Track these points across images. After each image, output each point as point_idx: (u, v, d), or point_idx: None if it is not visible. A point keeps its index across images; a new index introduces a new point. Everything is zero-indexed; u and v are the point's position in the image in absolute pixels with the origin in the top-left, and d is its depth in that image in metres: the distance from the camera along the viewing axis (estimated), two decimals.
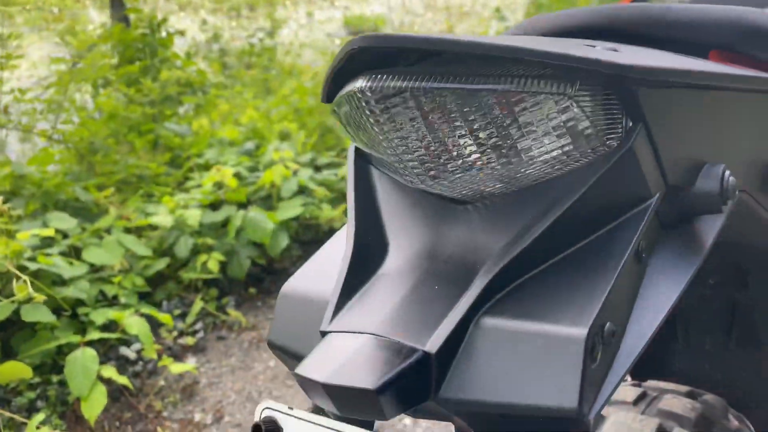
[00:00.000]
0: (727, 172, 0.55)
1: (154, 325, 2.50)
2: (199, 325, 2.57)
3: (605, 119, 0.48)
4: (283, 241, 2.75)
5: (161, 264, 2.65)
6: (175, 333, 2.49)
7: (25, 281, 1.99)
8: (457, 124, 0.48)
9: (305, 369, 0.45)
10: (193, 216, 2.66)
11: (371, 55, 0.50)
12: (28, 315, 2.09)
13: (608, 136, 0.49)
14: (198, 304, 2.54)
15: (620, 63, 0.45)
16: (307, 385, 0.44)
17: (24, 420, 1.93)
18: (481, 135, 0.48)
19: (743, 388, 1.08)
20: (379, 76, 0.48)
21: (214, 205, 2.95)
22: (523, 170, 0.50)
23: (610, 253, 0.48)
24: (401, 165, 0.51)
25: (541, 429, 0.43)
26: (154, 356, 2.24)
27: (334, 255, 0.56)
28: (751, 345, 1.06)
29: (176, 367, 2.21)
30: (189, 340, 2.48)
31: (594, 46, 0.53)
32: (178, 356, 2.43)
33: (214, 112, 4.47)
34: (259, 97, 5.47)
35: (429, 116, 0.48)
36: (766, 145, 0.69)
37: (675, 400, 0.96)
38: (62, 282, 2.36)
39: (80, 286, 2.35)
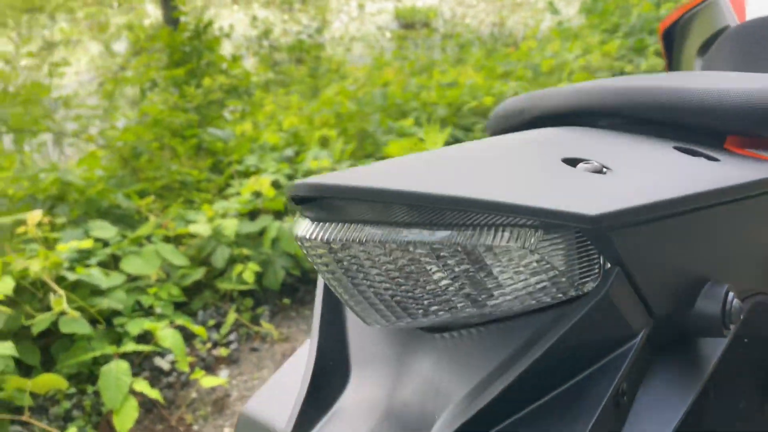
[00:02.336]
0: (731, 294, 0.50)
1: (190, 334, 2.54)
2: (233, 336, 2.59)
3: (578, 263, 0.44)
4: None
5: (198, 274, 2.68)
6: (209, 344, 2.51)
7: (60, 296, 2.05)
8: (413, 269, 0.44)
9: None
10: (230, 226, 2.67)
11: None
12: (66, 326, 2.14)
13: (582, 280, 0.44)
14: (232, 316, 2.56)
15: (584, 214, 0.40)
16: None
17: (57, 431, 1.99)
18: (445, 281, 0.44)
19: None
20: (321, 226, 0.45)
21: (253, 213, 2.97)
22: (496, 306, 0.46)
23: (585, 403, 0.44)
24: (359, 308, 0.48)
25: None
26: (187, 369, 2.27)
27: (296, 374, 0.53)
28: None
29: (207, 381, 2.23)
30: (222, 351, 2.50)
31: (575, 165, 0.48)
32: (211, 368, 2.46)
33: (260, 112, 4.52)
34: (306, 96, 5.49)
35: (384, 266, 0.44)
36: None
37: None
38: (100, 292, 2.42)
39: (117, 297, 2.39)
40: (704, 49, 1.72)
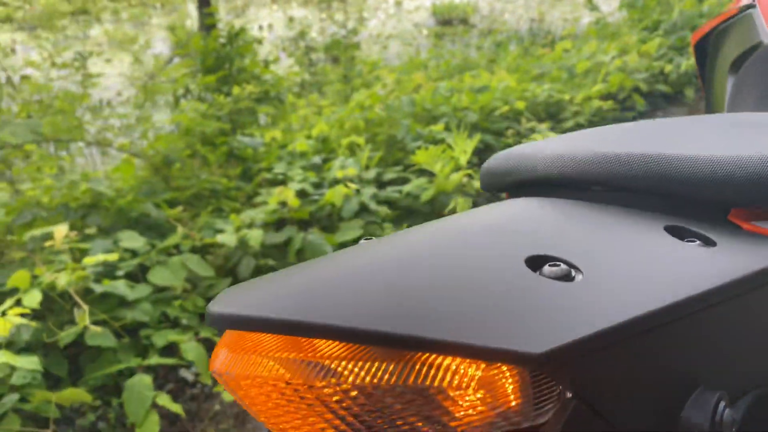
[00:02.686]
0: (722, 404, 0.45)
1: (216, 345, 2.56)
2: None
3: (530, 394, 0.40)
4: None
5: (224, 285, 2.69)
6: None
7: (83, 311, 2.08)
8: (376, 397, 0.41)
9: None
10: (255, 237, 2.69)
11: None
12: (91, 340, 2.18)
13: (536, 412, 0.41)
14: None
15: (528, 353, 0.37)
16: None
17: None
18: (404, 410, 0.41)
19: None
20: (245, 359, 0.42)
21: (281, 222, 2.99)
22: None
23: None
24: None
25: None
26: (209, 382, 2.29)
27: None
28: None
29: (229, 395, 2.25)
30: None
31: (540, 267, 0.45)
32: None
33: (293, 116, 4.54)
34: (341, 98, 5.49)
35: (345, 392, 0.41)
36: None
37: None
38: (128, 303, 2.45)
39: (143, 309, 2.43)
40: (736, 65, 1.64)
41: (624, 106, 4.82)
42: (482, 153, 3.89)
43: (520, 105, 3.94)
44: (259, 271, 2.78)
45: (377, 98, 4.07)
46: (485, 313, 0.39)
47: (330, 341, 0.40)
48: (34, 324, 2.10)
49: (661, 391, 0.46)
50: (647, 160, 0.58)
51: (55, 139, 3.08)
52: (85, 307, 2.08)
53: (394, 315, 0.39)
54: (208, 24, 4.50)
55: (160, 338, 2.39)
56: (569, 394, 0.41)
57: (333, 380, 0.39)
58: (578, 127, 4.39)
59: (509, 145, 3.89)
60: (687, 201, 0.58)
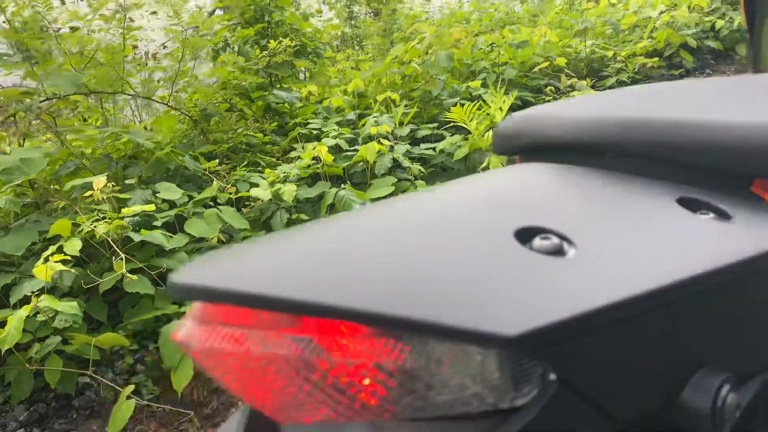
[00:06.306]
0: (725, 388, 0.42)
1: None
2: None
3: (506, 375, 0.38)
4: None
5: (259, 237, 2.75)
6: None
7: (121, 259, 2.16)
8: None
9: None
10: (289, 192, 2.72)
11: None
12: (129, 287, 2.27)
13: (516, 393, 0.38)
14: None
15: (500, 335, 0.34)
16: None
17: (119, 388, 2.13)
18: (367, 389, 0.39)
19: None
20: (212, 329, 0.40)
21: (315, 177, 3.02)
22: (428, 410, 0.40)
23: None
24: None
25: None
26: None
27: None
28: None
29: None
30: None
31: (531, 240, 0.41)
32: None
33: (332, 69, 4.53)
34: (380, 50, 5.44)
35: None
36: None
37: None
38: (165, 252, 2.53)
39: (179, 258, 2.50)
40: None
41: (671, 64, 4.65)
42: (519, 110, 3.82)
43: (561, 62, 3.85)
44: (292, 225, 2.83)
45: (415, 52, 4.01)
46: (462, 290, 0.37)
47: (291, 314, 0.37)
48: (74, 271, 2.19)
49: (659, 374, 0.43)
50: (665, 125, 0.55)
51: (97, 91, 3.14)
52: (122, 255, 2.16)
53: (364, 292, 0.36)
54: None
55: None
56: (552, 377, 0.38)
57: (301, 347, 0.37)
58: (619, 84, 4.27)
59: (548, 102, 3.82)
60: (706, 171, 0.54)
